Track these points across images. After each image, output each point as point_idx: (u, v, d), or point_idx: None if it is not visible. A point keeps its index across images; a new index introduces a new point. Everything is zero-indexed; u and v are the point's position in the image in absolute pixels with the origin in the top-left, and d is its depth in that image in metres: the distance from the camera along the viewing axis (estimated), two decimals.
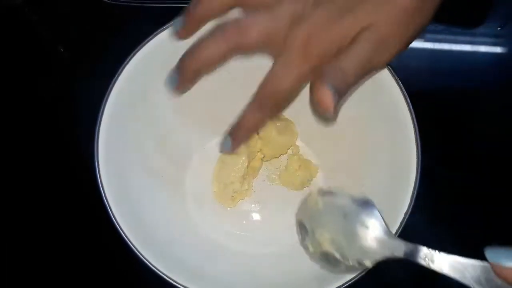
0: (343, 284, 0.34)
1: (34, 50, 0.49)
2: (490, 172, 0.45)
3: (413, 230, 0.33)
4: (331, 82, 0.27)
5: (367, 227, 0.31)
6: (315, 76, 0.28)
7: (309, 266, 0.37)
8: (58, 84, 0.48)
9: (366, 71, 0.29)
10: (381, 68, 0.31)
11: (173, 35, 0.33)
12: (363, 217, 0.31)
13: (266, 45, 0.30)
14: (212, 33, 0.30)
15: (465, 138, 0.46)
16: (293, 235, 0.40)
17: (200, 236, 0.40)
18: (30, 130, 0.47)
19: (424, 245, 0.31)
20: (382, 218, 0.31)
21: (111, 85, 0.35)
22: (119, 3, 0.48)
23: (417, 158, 0.35)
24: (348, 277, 0.34)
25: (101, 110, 0.35)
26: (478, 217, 0.44)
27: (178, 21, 0.32)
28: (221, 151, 0.34)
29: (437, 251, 0.28)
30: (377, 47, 0.28)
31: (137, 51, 0.35)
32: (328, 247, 0.32)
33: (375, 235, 0.31)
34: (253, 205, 0.42)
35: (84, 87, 0.46)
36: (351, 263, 0.31)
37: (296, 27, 0.28)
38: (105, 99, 0.35)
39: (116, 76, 0.36)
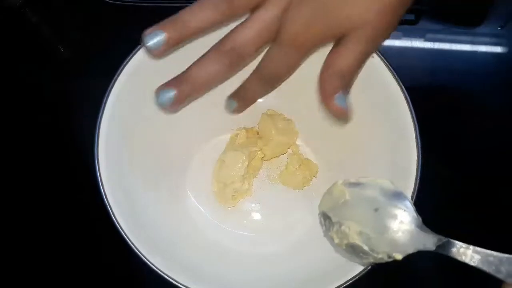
0: (343, 284, 0.34)
1: (34, 50, 0.49)
2: (490, 172, 0.45)
3: None
4: (338, 91, 0.30)
5: (398, 220, 0.30)
6: (320, 92, 0.31)
7: (309, 265, 0.37)
8: (58, 84, 0.48)
9: (362, 63, 0.32)
10: (371, 55, 0.35)
11: (149, 53, 0.31)
12: (394, 209, 0.30)
13: (262, 48, 0.32)
14: (209, 54, 0.32)
15: (465, 138, 0.46)
16: (294, 234, 0.40)
17: (200, 235, 0.40)
18: (30, 130, 0.47)
19: None
20: (414, 210, 0.31)
21: (111, 85, 0.35)
22: (119, 3, 0.48)
23: (417, 157, 0.35)
24: (349, 276, 0.34)
25: (101, 110, 0.35)
26: (478, 217, 0.44)
27: (154, 37, 0.30)
28: (228, 111, 0.37)
29: (470, 245, 0.28)
30: (369, 44, 0.31)
31: (137, 51, 0.35)
32: (356, 239, 0.31)
33: (406, 227, 0.30)
34: (253, 205, 0.42)
35: (84, 87, 0.46)
36: (379, 256, 0.30)
37: (285, 23, 0.30)
38: (105, 99, 0.35)
39: (116, 76, 0.35)
